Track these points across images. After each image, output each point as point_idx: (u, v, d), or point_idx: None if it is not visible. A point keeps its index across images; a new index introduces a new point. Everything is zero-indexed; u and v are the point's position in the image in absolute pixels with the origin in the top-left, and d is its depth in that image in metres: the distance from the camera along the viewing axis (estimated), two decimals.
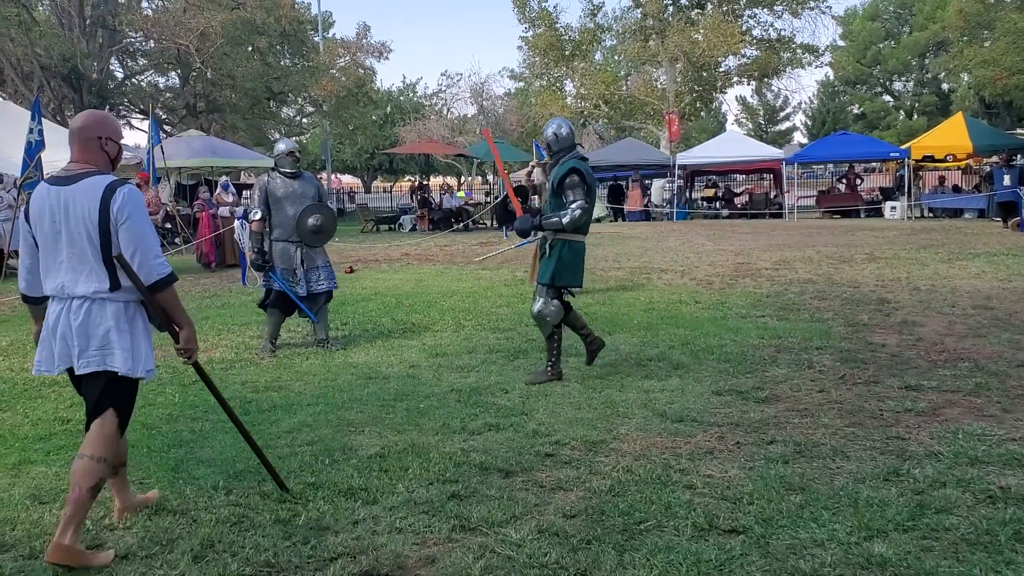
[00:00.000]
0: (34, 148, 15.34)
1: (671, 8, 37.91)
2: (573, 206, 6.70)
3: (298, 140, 49.76)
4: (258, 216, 8.32)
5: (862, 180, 32.04)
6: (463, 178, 50.91)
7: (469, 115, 50.89)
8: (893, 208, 26.81)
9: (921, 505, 4.07)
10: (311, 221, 8.30)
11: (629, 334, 8.66)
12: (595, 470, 4.72)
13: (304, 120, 45.92)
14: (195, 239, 17.76)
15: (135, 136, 37.70)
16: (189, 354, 4.09)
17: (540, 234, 7.08)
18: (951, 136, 26.50)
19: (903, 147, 28.70)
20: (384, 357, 7.99)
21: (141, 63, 34.91)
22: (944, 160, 27.70)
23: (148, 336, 3.99)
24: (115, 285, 3.81)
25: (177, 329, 4.04)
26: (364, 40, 41.31)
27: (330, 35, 44.95)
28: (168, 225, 20.62)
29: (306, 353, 8.27)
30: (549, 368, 6.90)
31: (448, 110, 52.28)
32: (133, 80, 35.18)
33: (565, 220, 6.70)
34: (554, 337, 6.91)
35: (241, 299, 12.32)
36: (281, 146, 8.70)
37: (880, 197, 29.14)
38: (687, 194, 32.59)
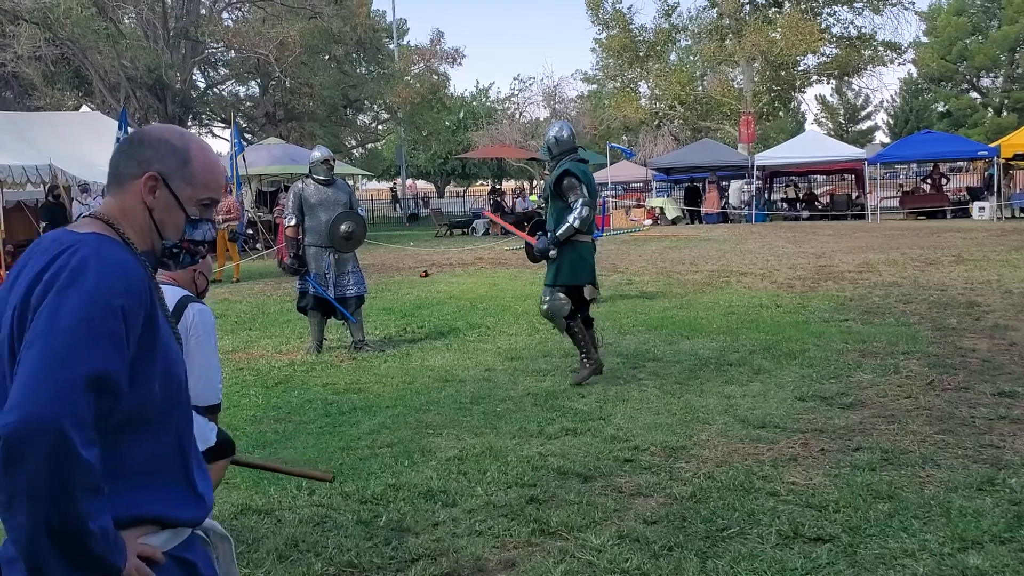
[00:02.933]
0: None
1: (747, 7, 37.37)
2: (577, 205, 6.76)
3: (373, 146, 50.48)
4: (293, 222, 8.53)
5: (948, 180, 31.09)
6: (535, 182, 50.98)
7: (542, 118, 50.91)
8: (981, 208, 25.92)
9: (1019, 516, 3.91)
10: (343, 228, 8.49)
11: (708, 338, 8.54)
12: (675, 476, 4.66)
13: (379, 127, 46.50)
14: (275, 244, 18.12)
15: (216, 144, 38.67)
16: None
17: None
18: None
19: (992, 145, 27.75)
20: (460, 360, 8.03)
21: (222, 73, 35.81)
22: None
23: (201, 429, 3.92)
24: None
25: None
26: (438, 47, 41.66)
27: (404, 42, 45.43)
28: (250, 231, 21.10)
29: (384, 356, 8.36)
30: (585, 361, 6.88)
31: (520, 114, 52.36)
32: (214, 90, 36.10)
33: (576, 223, 6.77)
34: (574, 331, 6.91)
35: None
36: (316, 153, 8.82)
37: (967, 197, 28.23)
38: (766, 195, 32.06)
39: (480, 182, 64.16)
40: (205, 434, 3.81)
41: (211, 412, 3.90)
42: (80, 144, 18.53)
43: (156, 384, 1.74)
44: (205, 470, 1.97)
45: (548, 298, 6.95)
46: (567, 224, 6.78)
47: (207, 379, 3.79)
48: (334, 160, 8.99)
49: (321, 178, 8.65)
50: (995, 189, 25.99)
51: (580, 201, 6.74)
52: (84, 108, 28.19)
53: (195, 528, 1.89)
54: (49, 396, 1.54)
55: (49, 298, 1.63)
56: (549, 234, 6.95)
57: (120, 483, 1.69)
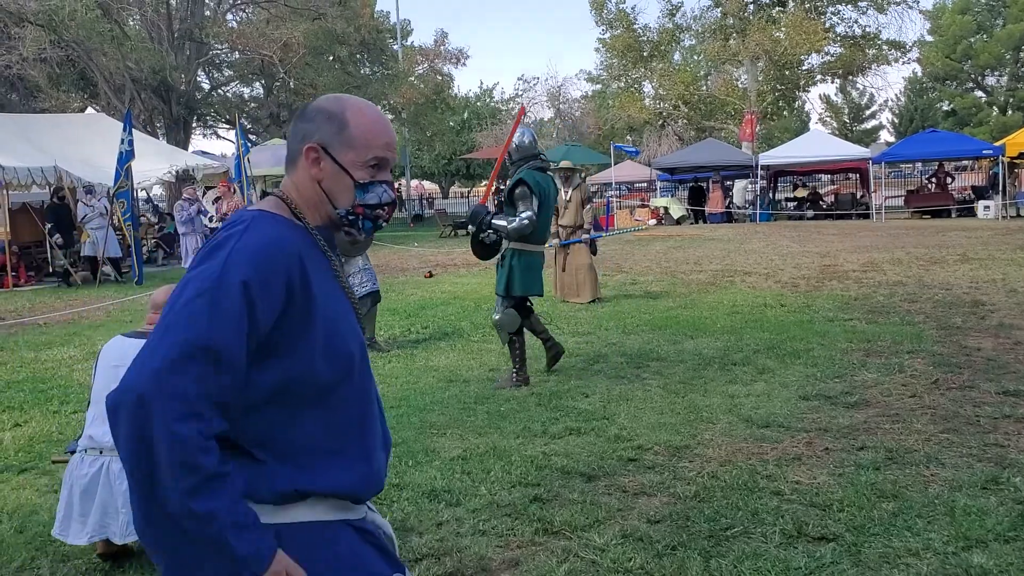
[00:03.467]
0: (125, 158, 15.89)
1: (751, 6, 37.35)
2: (521, 215, 6.78)
3: None
4: None
5: (953, 179, 31.03)
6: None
7: (546, 119, 50.92)
8: (986, 207, 25.87)
9: (1023, 515, 3.90)
10: None
11: (713, 338, 8.54)
12: (679, 475, 4.65)
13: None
14: None
15: (222, 145, 38.72)
16: None
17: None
18: None
19: (997, 144, 27.68)
20: (464, 361, 8.03)
21: (226, 74, 35.86)
22: None
23: None
24: None
25: None
26: (442, 47, 41.71)
27: (408, 43, 45.48)
28: None
29: (388, 356, 8.36)
30: (515, 375, 6.95)
31: (525, 114, 52.40)
32: (219, 91, 36.15)
33: (511, 227, 6.78)
34: (514, 344, 6.95)
35: None
36: None
37: (972, 196, 28.18)
38: (770, 195, 32.02)
39: (484, 182, 64.15)
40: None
41: None
42: (85, 146, 18.59)
43: (316, 358, 1.74)
44: (384, 447, 1.97)
45: (500, 310, 7.01)
46: (504, 222, 6.79)
47: None
48: None
49: None
50: (1000, 188, 25.93)
51: (525, 214, 6.76)
52: (89, 110, 28.27)
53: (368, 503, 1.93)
54: (147, 370, 1.58)
55: (186, 274, 1.72)
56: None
57: (292, 459, 1.73)
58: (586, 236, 11.35)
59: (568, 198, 11.29)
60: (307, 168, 1.86)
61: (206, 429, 1.58)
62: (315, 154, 1.85)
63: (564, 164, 11.84)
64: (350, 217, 1.89)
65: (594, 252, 11.44)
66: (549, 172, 7.26)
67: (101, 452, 3.68)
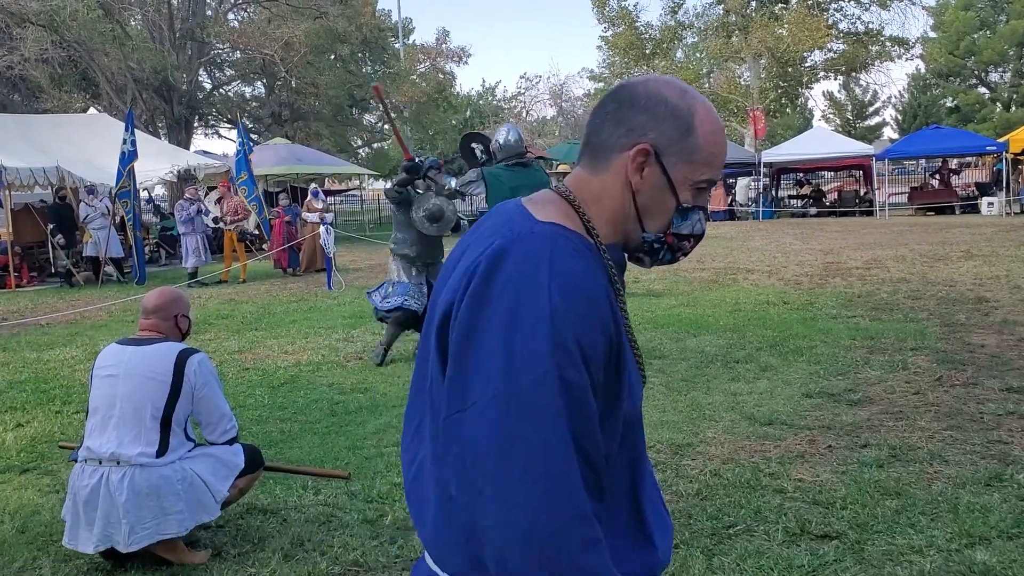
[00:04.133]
0: (127, 158, 15.90)
1: (754, 3, 37.29)
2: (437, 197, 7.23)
3: (380, 146, 50.46)
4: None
5: (959, 172, 30.97)
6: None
7: (548, 117, 50.92)
8: (990, 204, 25.82)
9: None
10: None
11: (715, 336, 8.52)
12: (682, 473, 4.64)
13: (385, 126, 46.52)
14: (273, 246, 18.17)
15: (223, 145, 38.75)
16: None
17: None
18: None
19: (1001, 140, 27.63)
20: None
21: (228, 74, 35.85)
22: None
23: (205, 487, 3.80)
24: (163, 450, 3.71)
25: None
26: (444, 45, 41.77)
27: (410, 41, 45.49)
28: (255, 232, 21.12)
29: (390, 356, 8.34)
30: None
31: (527, 112, 52.40)
32: (220, 91, 36.16)
33: (429, 198, 7.13)
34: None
35: (326, 303, 12.53)
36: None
37: (976, 193, 28.11)
38: (773, 192, 31.98)
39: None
40: (233, 461, 3.90)
41: (231, 443, 3.97)
42: (87, 146, 18.59)
43: (617, 435, 1.41)
44: (662, 516, 1.58)
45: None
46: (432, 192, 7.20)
47: (223, 420, 3.89)
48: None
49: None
50: (1004, 184, 25.87)
51: (435, 198, 7.10)
52: (91, 110, 28.26)
53: None
54: (540, 495, 1.24)
55: (483, 322, 1.29)
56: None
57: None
58: None
59: None
60: (627, 172, 1.42)
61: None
62: (644, 158, 1.41)
63: (562, 168, 11.84)
64: (655, 245, 1.48)
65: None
66: (528, 168, 7.15)
67: (100, 463, 3.68)
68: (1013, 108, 56.47)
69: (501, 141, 7.04)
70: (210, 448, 3.90)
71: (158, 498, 3.65)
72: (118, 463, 3.65)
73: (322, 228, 14.73)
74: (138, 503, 3.62)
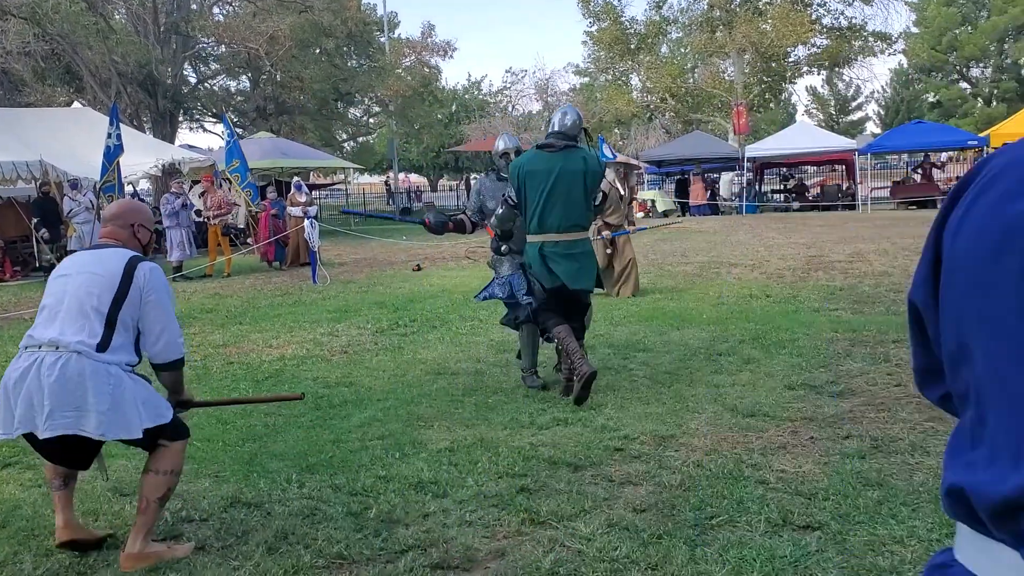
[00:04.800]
0: (112, 152, 15.80)
1: None
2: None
3: (365, 140, 50.33)
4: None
5: (941, 167, 31.15)
6: None
7: (534, 111, 50.88)
8: None
9: None
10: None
11: (699, 329, 8.56)
12: (665, 465, 4.66)
13: (371, 120, 46.41)
14: (258, 239, 18.10)
15: (208, 139, 38.58)
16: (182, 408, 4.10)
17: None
18: None
19: (982, 135, 27.81)
20: (452, 353, 8.02)
21: (213, 68, 35.68)
22: None
23: (135, 402, 3.65)
24: (104, 346, 3.61)
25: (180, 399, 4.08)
26: (429, 39, 41.62)
27: (395, 35, 45.34)
28: (241, 225, 21.05)
29: (375, 349, 8.35)
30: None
31: (513, 107, 52.37)
32: (205, 84, 35.97)
33: (492, 220, 6.47)
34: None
35: (311, 297, 12.50)
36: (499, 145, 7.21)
37: None
38: (756, 187, 32.10)
39: (473, 176, 64.07)
40: (164, 407, 3.81)
41: (175, 367, 3.90)
42: (71, 140, 18.50)
43: None
44: None
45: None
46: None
47: (170, 336, 3.81)
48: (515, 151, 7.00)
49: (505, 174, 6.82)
50: None
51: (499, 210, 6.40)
52: (75, 104, 28.07)
53: None
54: None
55: None
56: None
57: None
58: (632, 228, 11.25)
59: (623, 194, 10.98)
60: None
61: None
62: None
63: (620, 159, 11.33)
64: None
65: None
66: (558, 151, 6.08)
67: (40, 347, 3.61)
68: (994, 103, 56.82)
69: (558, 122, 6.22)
70: (150, 385, 3.82)
71: (85, 390, 3.51)
72: (56, 348, 3.56)
73: (307, 222, 14.69)
74: (65, 388, 3.49)
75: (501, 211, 6.35)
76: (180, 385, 4.04)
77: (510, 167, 6.25)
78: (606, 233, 10.77)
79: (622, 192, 10.86)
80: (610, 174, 10.47)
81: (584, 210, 6.15)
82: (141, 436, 3.66)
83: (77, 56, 26.09)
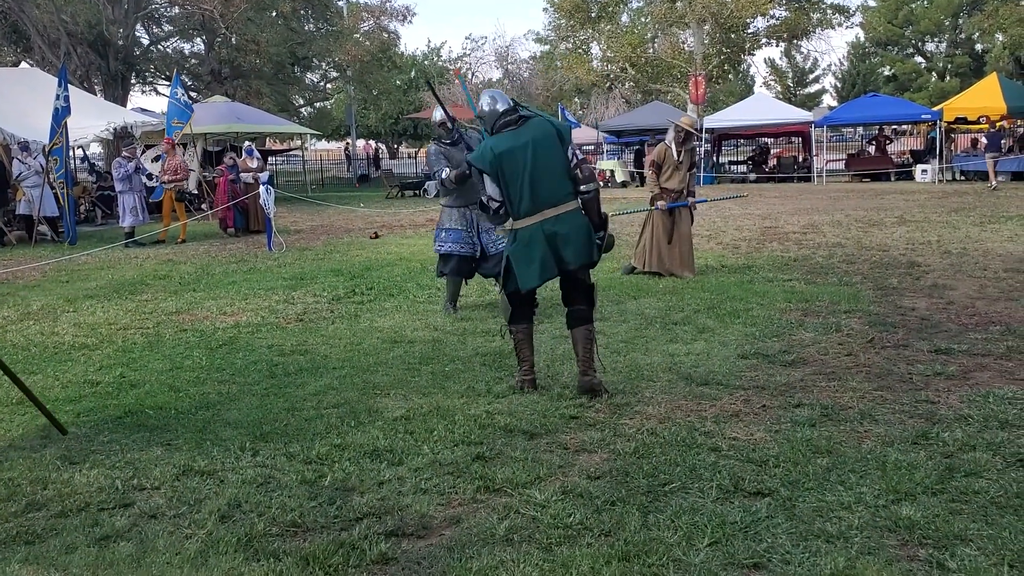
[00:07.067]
0: (60, 114, 15.45)
1: None
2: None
3: (322, 106, 49.65)
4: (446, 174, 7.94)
5: (891, 140, 31.55)
6: None
7: (494, 79, 50.56)
8: (924, 171, 26.39)
9: (950, 468, 4.02)
10: None
11: (654, 298, 8.61)
12: (619, 432, 4.70)
13: (328, 85, 45.81)
14: (216, 205, 17.84)
15: (161, 102, 37.84)
16: None
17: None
18: (985, 97, 25.96)
19: (935, 109, 28.19)
20: (409, 321, 8.00)
21: (166, 29, 34.89)
22: (977, 122, 27.18)
23: None
24: None
25: None
26: (387, 4, 41.04)
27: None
28: (195, 191, 20.72)
29: (331, 317, 8.30)
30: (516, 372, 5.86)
31: (473, 74, 51.95)
32: (158, 47, 35.19)
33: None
34: (512, 335, 5.79)
35: (267, 264, 12.37)
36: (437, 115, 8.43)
37: (911, 160, 28.69)
38: (714, 158, 32.26)
39: (431, 142, 63.62)
40: None
41: None
42: (19, 101, 18.01)
43: None
44: None
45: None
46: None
47: None
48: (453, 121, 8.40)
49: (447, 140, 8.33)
50: (937, 152, 26.44)
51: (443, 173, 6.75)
52: (23, 64, 27.32)
53: None
54: None
55: None
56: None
57: None
58: (693, 200, 10.22)
59: (680, 160, 10.01)
60: None
61: None
62: None
63: (685, 121, 10.15)
64: None
65: (691, 221, 10.42)
66: (516, 127, 5.59)
67: None
68: (948, 78, 57.57)
69: (487, 109, 5.79)
70: None
71: None
72: None
73: (262, 188, 14.50)
74: None
75: (457, 173, 6.54)
76: None
77: (475, 158, 5.67)
78: (661, 204, 10.01)
79: (677, 158, 10.00)
80: (669, 134, 10.00)
81: (568, 176, 5.55)
82: None
83: (24, 15, 25.38)
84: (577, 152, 5.71)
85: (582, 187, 5.53)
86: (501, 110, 5.65)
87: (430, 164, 8.41)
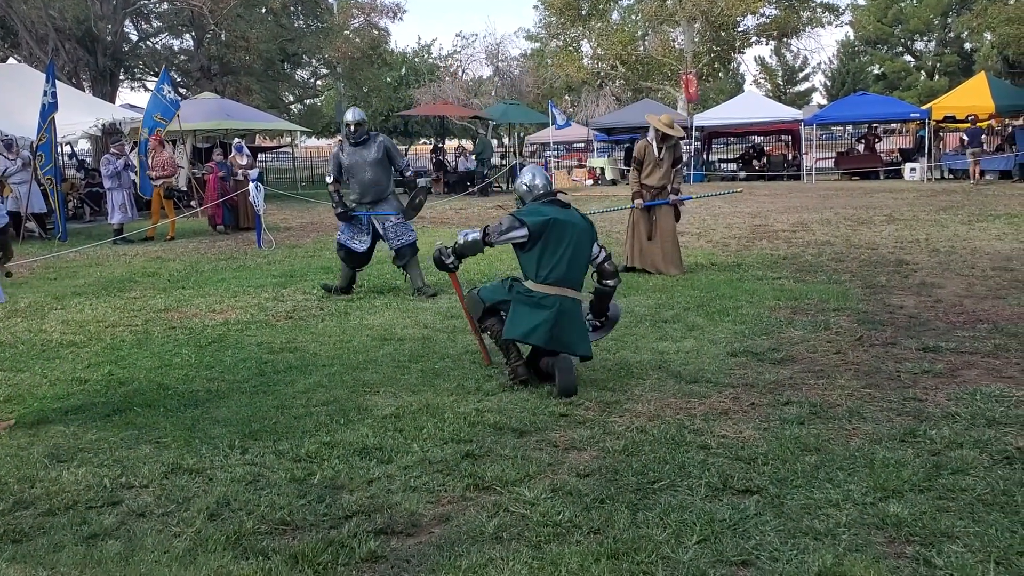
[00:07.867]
0: (47, 110, 15.37)
1: None
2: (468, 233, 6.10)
3: (312, 103, 49.53)
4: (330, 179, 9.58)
5: (880, 139, 31.65)
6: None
7: (484, 76, 50.49)
8: (913, 170, 26.50)
9: (937, 466, 4.04)
10: (420, 199, 9.61)
11: (644, 296, 8.62)
12: (609, 430, 4.71)
13: (318, 82, 45.71)
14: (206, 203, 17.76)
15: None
16: None
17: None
18: (973, 96, 26.07)
19: (924, 107, 28.30)
20: (399, 319, 7.99)
21: (155, 25, 34.75)
22: (966, 121, 27.29)
23: None
24: None
25: None
26: (378, 1, 40.95)
27: None
28: (184, 188, 20.64)
29: (321, 315, 8.28)
30: (505, 365, 5.88)
31: (463, 72, 51.85)
32: (147, 43, 35.04)
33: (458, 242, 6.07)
34: (485, 329, 6.05)
35: (256, 261, 12.34)
36: (348, 116, 9.33)
37: (899, 159, 28.80)
38: (704, 156, 32.31)
39: (423, 140, 63.52)
40: None
41: None
42: (6, 98, 17.90)
43: None
44: None
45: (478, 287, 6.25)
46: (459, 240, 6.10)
47: None
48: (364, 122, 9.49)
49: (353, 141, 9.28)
50: (926, 151, 26.54)
51: (473, 235, 6.03)
52: (11, 60, 27.16)
53: None
54: None
55: None
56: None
57: None
58: (674, 197, 10.10)
59: (661, 157, 10.00)
60: None
61: None
62: None
63: (661, 120, 10.05)
64: None
65: (677, 218, 10.32)
66: (562, 207, 5.94)
67: None
68: (936, 76, 57.86)
69: (527, 180, 6.05)
70: None
71: None
72: None
73: (251, 185, 14.45)
74: None
75: (472, 240, 6.00)
76: None
77: (530, 210, 5.80)
78: (638, 202, 10.10)
79: (658, 155, 9.99)
80: (651, 131, 10.01)
81: (586, 269, 5.96)
82: None
83: (11, 10, 25.23)
84: (604, 247, 6.10)
85: (609, 281, 6.00)
86: (541, 185, 6.01)
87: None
